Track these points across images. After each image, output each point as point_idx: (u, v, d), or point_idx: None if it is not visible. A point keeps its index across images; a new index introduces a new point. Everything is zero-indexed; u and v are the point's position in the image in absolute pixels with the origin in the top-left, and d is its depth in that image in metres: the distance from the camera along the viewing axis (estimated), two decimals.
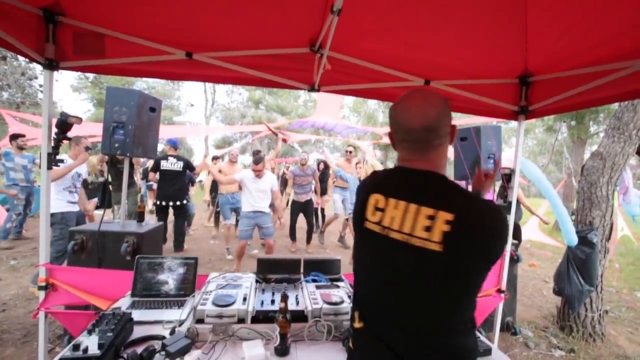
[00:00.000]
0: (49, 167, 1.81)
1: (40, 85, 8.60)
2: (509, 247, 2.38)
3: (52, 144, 1.82)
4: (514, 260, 3.03)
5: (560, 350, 2.99)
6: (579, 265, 3.15)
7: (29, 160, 5.46)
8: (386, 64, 2.01)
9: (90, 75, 19.49)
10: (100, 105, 20.52)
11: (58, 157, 1.86)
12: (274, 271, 1.86)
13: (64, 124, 1.81)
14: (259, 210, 4.15)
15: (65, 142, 1.90)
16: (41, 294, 1.82)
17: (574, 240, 3.14)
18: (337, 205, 5.88)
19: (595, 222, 3.20)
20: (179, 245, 5.29)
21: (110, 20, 1.77)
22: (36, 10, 1.66)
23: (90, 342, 1.14)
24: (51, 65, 1.76)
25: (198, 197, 9.77)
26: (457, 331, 0.83)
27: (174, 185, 5.01)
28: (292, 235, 5.80)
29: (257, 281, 1.77)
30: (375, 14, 1.64)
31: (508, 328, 3.15)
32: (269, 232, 4.25)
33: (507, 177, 2.29)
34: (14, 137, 5.28)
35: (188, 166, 5.11)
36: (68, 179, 3.36)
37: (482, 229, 0.78)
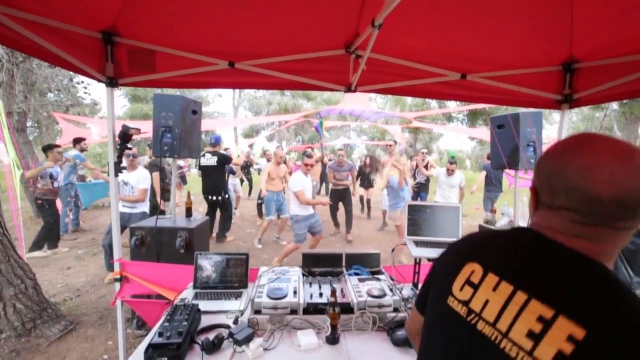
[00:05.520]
0: (116, 175, 2.03)
1: (85, 87, 9.25)
2: None
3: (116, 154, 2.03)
4: None
5: None
6: (627, 257, 3.02)
7: (81, 160, 5.96)
8: (422, 61, 2.01)
9: None
10: (135, 100, 21.58)
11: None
12: (318, 265, 1.99)
13: (126, 135, 2.01)
14: (311, 212, 4.26)
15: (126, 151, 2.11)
16: (117, 285, 2.09)
17: None
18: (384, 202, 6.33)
19: None
20: (219, 238, 5.48)
21: (160, 37, 1.91)
22: (96, 34, 1.83)
23: (171, 331, 1.34)
24: (112, 82, 1.95)
25: (245, 191, 10.22)
26: None
27: (211, 181, 5.15)
28: (335, 221, 6.31)
29: (303, 274, 1.91)
30: (411, 14, 1.65)
31: None
32: (321, 228, 4.34)
33: None
34: (77, 140, 5.73)
35: (223, 160, 5.15)
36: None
37: None
